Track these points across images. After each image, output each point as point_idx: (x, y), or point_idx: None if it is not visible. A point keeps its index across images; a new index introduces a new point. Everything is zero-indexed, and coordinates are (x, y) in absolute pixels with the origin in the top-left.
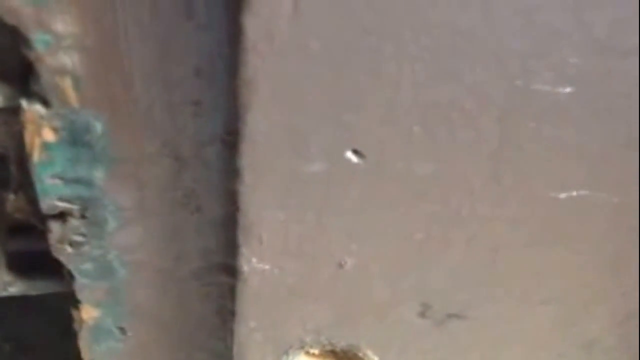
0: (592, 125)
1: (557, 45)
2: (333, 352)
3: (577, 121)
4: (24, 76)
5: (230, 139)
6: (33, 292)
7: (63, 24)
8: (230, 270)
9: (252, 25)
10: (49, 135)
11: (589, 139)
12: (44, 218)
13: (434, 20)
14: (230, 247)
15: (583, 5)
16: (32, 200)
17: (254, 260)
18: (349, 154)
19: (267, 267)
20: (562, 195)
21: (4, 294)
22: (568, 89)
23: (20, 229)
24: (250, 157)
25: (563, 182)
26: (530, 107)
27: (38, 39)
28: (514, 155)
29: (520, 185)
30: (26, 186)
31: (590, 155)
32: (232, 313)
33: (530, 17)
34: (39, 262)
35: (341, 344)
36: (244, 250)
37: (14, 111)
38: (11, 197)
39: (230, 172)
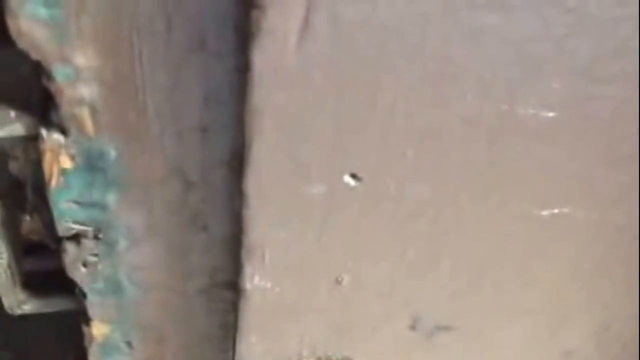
0: (574, 146)
1: (542, 73)
2: None
3: (559, 143)
4: (43, 107)
5: (236, 163)
6: (46, 310)
7: (84, 58)
8: (235, 286)
9: (259, 58)
10: (66, 162)
11: (570, 159)
12: (58, 239)
13: (426, 51)
14: (235, 264)
15: (566, 35)
16: (47, 222)
17: (256, 278)
18: (347, 178)
19: (268, 284)
20: (544, 213)
21: (19, 312)
22: (551, 113)
23: (33, 249)
24: (254, 180)
25: (545, 200)
26: (517, 130)
27: (59, 72)
28: (501, 176)
29: (505, 204)
30: (41, 209)
31: (571, 175)
32: (235, 327)
33: (517, 47)
34: (51, 281)
35: (336, 356)
36: (247, 269)
37: (33, 139)
38: (27, 219)
39: (236, 193)
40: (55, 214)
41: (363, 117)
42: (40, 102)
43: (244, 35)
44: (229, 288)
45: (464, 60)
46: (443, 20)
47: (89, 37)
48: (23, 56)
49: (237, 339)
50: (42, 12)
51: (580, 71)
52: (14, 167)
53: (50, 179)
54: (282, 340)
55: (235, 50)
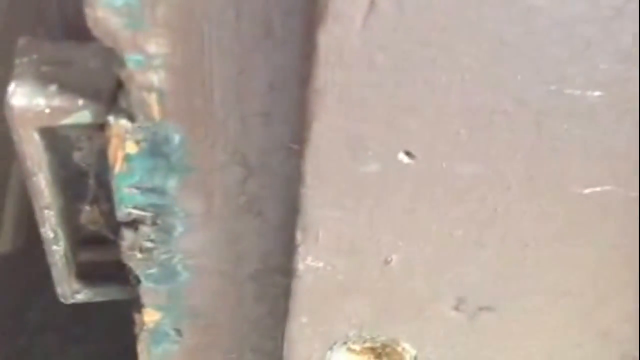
0: (617, 126)
1: (589, 54)
2: (372, 349)
3: (603, 122)
4: (112, 95)
5: (295, 147)
6: (98, 299)
7: (155, 45)
8: (285, 271)
9: (325, 40)
10: (131, 148)
11: (614, 138)
12: (115, 227)
13: (482, 33)
14: (287, 248)
15: (612, 18)
16: (105, 212)
17: (309, 258)
18: (401, 155)
19: (320, 264)
20: (587, 191)
21: (72, 300)
22: (597, 93)
23: (88, 241)
24: (313, 161)
25: (588, 179)
26: (563, 109)
27: (131, 59)
28: (547, 155)
29: (550, 182)
30: (100, 199)
31: (613, 154)
32: (286, 310)
33: (566, 29)
34: (102, 272)
35: (381, 338)
36: (301, 249)
37: (98, 128)
38: (87, 209)
39: (292, 177)
40: (117, 200)
41: (420, 96)
42: (108, 90)
43: (308, 21)
44: (279, 273)
45: (515, 41)
46: (498, 2)
47: (161, 26)
48: (93, 49)
49: (288, 321)
50: (119, 1)
51: (624, 52)
52: (77, 156)
53: (114, 165)
54: (331, 322)
55: (299, 37)
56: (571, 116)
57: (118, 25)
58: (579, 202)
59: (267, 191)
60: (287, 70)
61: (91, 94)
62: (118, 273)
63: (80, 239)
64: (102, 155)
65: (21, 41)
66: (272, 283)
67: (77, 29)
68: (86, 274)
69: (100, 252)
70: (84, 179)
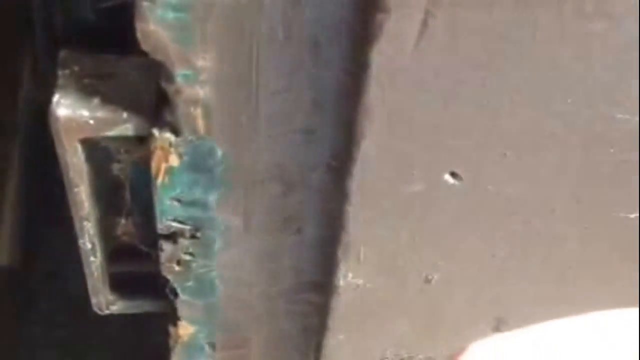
0: None
1: (637, 79)
2: None
3: None
4: (153, 108)
5: (336, 164)
6: (131, 311)
7: (203, 60)
8: (319, 288)
9: (377, 60)
10: (174, 161)
11: None
12: (151, 240)
13: (534, 56)
14: (324, 265)
15: None
16: (139, 225)
17: (350, 275)
18: (447, 176)
19: (360, 282)
20: (632, 216)
21: (107, 311)
22: None
23: (122, 253)
24: (359, 179)
25: (635, 203)
26: (611, 134)
27: (180, 73)
28: (593, 178)
29: (595, 206)
30: (136, 211)
31: None
32: (316, 330)
33: (618, 55)
34: (137, 284)
35: (419, 357)
36: (342, 266)
37: (137, 140)
38: (122, 221)
39: (332, 194)
40: (158, 211)
41: (468, 117)
42: (150, 103)
43: (358, 39)
44: (313, 290)
45: (567, 65)
46: (552, 27)
47: (211, 42)
48: (134, 63)
49: (326, 337)
50: (170, 15)
51: None
52: (115, 168)
53: (157, 177)
54: (369, 339)
55: (346, 55)
56: (618, 141)
57: (168, 39)
58: (623, 227)
59: (305, 208)
60: (332, 88)
61: (134, 107)
62: (149, 286)
63: (115, 252)
64: (139, 168)
65: (62, 53)
66: (305, 300)
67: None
68: (120, 287)
69: (134, 265)
70: (120, 191)
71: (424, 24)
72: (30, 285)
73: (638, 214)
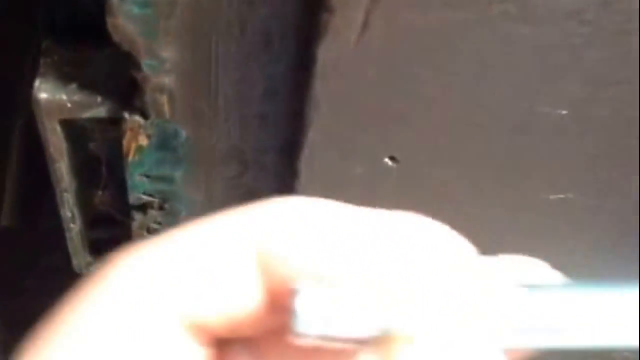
0: (580, 141)
1: (559, 76)
2: None
3: (568, 137)
4: (126, 93)
5: (287, 148)
6: None
7: (167, 52)
8: None
9: (323, 55)
10: (143, 141)
11: (576, 152)
12: (126, 209)
13: (465, 54)
14: None
15: (582, 45)
16: (115, 196)
17: None
18: (387, 160)
19: None
20: (552, 197)
21: (85, 271)
22: (564, 111)
23: (100, 221)
24: (306, 161)
25: (554, 186)
26: (534, 124)
27: (146, 63)
28: (518, 164)
29: (519, 188)
30: (111, 184)
31: (576, 165)
32: None
33: (541, 54)
34: (112, 249)
35: None
36: None
37: (112, 122)
38: (99, 193)
39: (284, 174)
40: (130, 186)
41: (405, 107)
42: (123, 89)
43: (305, 36)
44: None
45: (494, 62)
46: (480, 27)
47: (174, 35)
48: (109, 53)
49: None
50: (136, 11)
51: (591, 77)
52: (92, 146)
53: (127, 155)
54: None
55: (295, 50)
56: (540, 131)
57: (135, 33)
58: (544, 207)
59: (260, 185)
60: (282, 80)
61: (107, 92)
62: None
63: (93, 219)
64: (113, 146)
65: (44, 44)
66: None
67: None
68: (98, 250)
69: (110, 231)
70: (97, 166)
71: (365, 23)
72: (31, 244)
73: (556, 196)
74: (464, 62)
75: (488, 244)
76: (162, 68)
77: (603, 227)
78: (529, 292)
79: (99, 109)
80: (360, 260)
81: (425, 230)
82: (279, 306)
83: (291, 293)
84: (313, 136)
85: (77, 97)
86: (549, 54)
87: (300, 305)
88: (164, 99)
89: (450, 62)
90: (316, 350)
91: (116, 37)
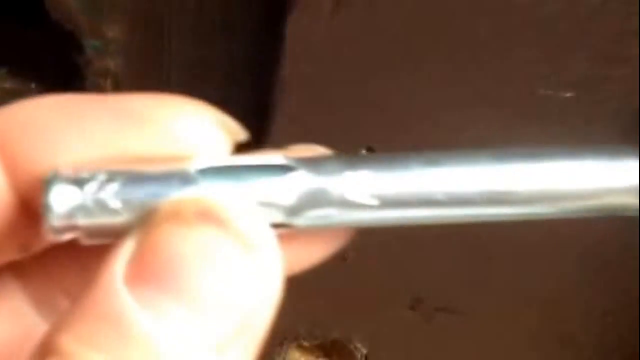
0: (586, 126)
1: (563, 53)
2: (322, 347)
3: (574, 123)
4: (65, 78)
5: (251, 137)
6: None
7: (113, 32)
8: None
9: (292, 31)
10: None
11: (583, 136)
12: None
13: (451, 32)
14: None
15: (588, 18)
16: None
17: None
18: (363, 151)
19: None
20: None
21: None
22: (568, 94)
23: None
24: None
25: None
26: (534, 109)
27: (90, 44)
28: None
29: None
30: None
31: None
32: None
33: (541, 27)
34: None
35: (333, 335)
36: None
37: None
38: None
39: None
40: None
41: (384, 91)
42: (62, 75)
43: (272, 11)
44: None
45: (486, 39)
46: (469, 1)
47: (121, 12)
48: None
49: None
50: None
51: (600, 54)
52: None
53: None
54: (282, 318)
55: (258, 27)
56: (542, 117)
57: (77, 9)
58: None
59: None
60: (244, 59)
61: (41, 78)
62: None
63: None
64: None
65: None
66: None
67: None
68: None
69: None
70: None
71: None
72: None
73: None
74: (452, 41)
75: (479, 246)
76: (107, 49)
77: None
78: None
79: (33, 95)
80: (108, 147)
81: (180, 113)
82: (35, 215)
83: (42, 186)
84: (280, 124)
85: (7, 84)
86: (550, 27)
87: (52, 197)
88: (107, 84)
89: (435, 42)
90: (82, 269)
91: (56, 14)
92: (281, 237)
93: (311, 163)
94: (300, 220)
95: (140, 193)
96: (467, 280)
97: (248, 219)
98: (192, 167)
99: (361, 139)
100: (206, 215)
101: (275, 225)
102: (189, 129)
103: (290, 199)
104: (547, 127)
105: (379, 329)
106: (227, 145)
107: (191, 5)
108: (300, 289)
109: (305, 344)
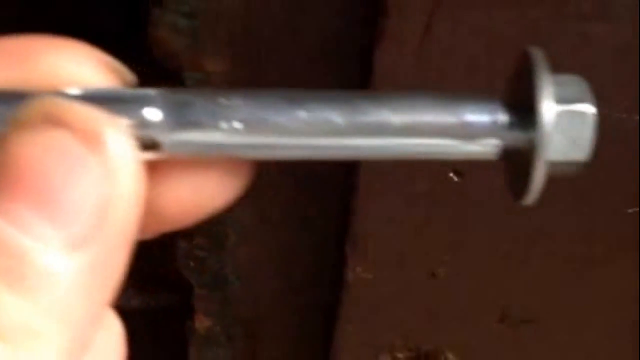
0: None
1: (637, 79)
2: (416, 358)
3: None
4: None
5: (344, 162)
6: (151, 305)
7: (214, 65)
8: (331, 283)
9: (380, 60)
10: None
11: None
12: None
13: None
14: (335, 260)
15: None
16: None
17: (358, 269)
18: (451, 174)
19: (370, 276)
20: (630, 210)
21: (127, 306)
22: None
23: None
24: (367, 178)
25: (631, 199)
26: (609, 132)
27: (191, 77)
28: (594, 176)
29: (594, 201)
30: None
31: None
32: (327, 323)
33: (617, 54)
34: (154, 280)
35: (427, 346)
36: (350, 261)
37: None
38: None
39: (342, 191)
40: None
41: None
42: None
43: (364, 41)
44: (325, 285)
45: (568, 66)
46: (552, 27)
47: (221, 46)
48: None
49: (335, 329)
50: (182, 22)
51: None
52: None
53: None
54: (377, 331)
55: (353, 56)
56: (616, 140)
57: (180, 46)
58: (621, 222)
59: (317, 204)
60: (340, 88)
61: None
62: (166, 281)
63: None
64: None
65: None
66: (317, 294)
67: None
68: (139, 282)
69: (152, 262)
70: None
71: (427, 26)
72: None
73: (634, 210)
74: None
75: (562, 262)
76: (207, 81)
77: None
78: None
79: None
80: None
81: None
82: None
83: None
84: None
85: None
86: (625, 54)
87: None
88: None
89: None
90: None
91: (158, 53)
92: (183, 170)
93: (179, 92)
94: (167, 140)
95: (4, 108)
96: (553, 293)
97: (93, 120)
98: (59, 91)
99: (450, 163)
100: (50, 118)
101: (145, 146)
102: (68, 65)
103: (156, 118)
104: (621, 151)
105: (469, 340)
106: (110, 83)
107: (286, 39)
108: (394, 304)
109: (400, 355)
